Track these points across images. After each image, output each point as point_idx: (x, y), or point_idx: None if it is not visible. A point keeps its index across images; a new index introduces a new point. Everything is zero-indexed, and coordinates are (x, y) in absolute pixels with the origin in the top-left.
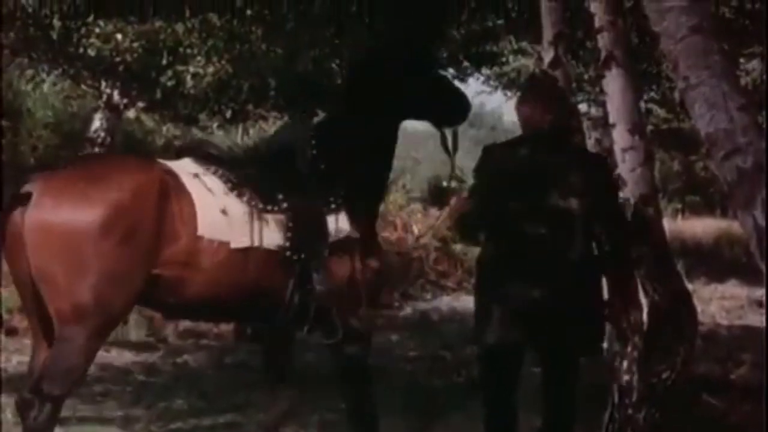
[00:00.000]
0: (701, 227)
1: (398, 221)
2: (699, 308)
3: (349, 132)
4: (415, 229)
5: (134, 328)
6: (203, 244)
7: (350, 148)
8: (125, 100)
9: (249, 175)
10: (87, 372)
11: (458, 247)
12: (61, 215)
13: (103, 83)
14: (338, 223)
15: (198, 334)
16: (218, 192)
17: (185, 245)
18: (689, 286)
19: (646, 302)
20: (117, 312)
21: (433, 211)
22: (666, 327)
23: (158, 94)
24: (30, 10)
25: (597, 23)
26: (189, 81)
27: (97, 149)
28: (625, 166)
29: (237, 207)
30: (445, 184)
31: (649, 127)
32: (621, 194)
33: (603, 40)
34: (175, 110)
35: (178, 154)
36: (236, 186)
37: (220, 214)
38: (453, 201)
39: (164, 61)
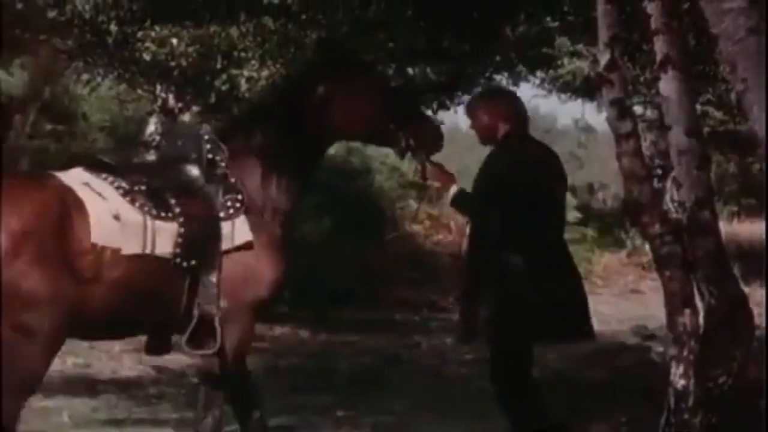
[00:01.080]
0: (758, 230)
1: (452, 224)
2: (755, 311)
3: (261, 141)
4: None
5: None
6: (98, 252)
7: (260, 155)
8: (180, 104)
9: (141, 181)
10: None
11: None
12: None
13: (158, 87)
14: (235, 229)
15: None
16: (110, 198)
17: (84, 257)
18: (745, 290)
19: (702, 306)
20: (52, 340)
21: None
22: (722, 331)
23: (213, 98)
24: (87, 16)
25: (653, 25)
26: (243, 85)
27: (152, 152)
28: (681, 169)
29: (129, 213)
30: None
31: (706, 129)
32: (676, 196)
33: (659, 42)
34: (229, 114)
35: (66, 165)
36: (128, 192)
37: (113, 220)
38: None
39: (219, 65)
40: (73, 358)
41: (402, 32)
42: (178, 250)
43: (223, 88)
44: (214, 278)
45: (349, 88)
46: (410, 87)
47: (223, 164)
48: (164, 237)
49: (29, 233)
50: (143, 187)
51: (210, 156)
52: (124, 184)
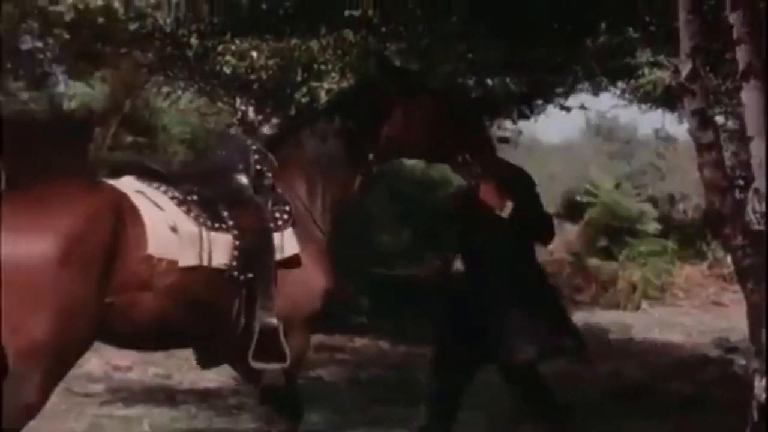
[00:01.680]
0: None
1: None
2: None
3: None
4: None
5: None
6: (153, 263)
7: (308, 166)
8: (260, 117)
9: (192, 191)
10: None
11: (592, 262)
12: (14, 250)
13: (238, 100)
14: (284, 241)
15: (332, 348)
16: (166, 207)
17: (139, 267)
18: None
19: None
20: (75, 348)
21: (568, 226)
22: None
23: (292, 111)
24: (168, 29)
25: (735, 34)
26: (323, 97)
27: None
28: (763, 179)
29: (186, 224)
30: (579, 198)
31: None
32: (758, 207)
33: (741, 52)
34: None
35: (116, 173)
36: (183, 202)
37: (170, 231)
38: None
39: (299, 78)
40: (153, 368)
41: (481, 43)
42: (234, 263)
43: (303, 100)
44: (272, 290)
45: (406, 104)
46: (487, 98)
47: (269, 174)
48: (220, 249)
49: (80, 238)
50: (196, 197)
51: (258, 166)
52: (177, 194)
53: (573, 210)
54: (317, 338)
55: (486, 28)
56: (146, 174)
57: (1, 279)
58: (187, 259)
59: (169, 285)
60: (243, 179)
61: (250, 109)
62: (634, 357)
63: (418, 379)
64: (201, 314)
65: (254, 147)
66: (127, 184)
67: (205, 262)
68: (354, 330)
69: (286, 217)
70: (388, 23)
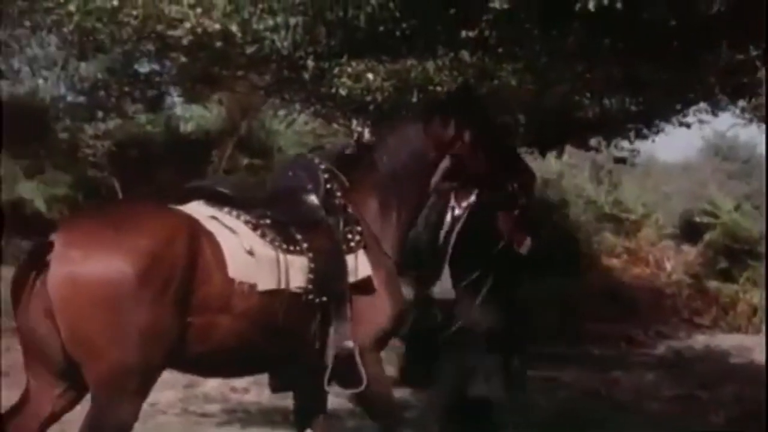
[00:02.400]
0: None
1: (650, 258)
2: None
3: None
4: (668, 266)
5: (385, 363)
6: (234, 287)
7: (379, 188)
8: (375, 138)
9: (265, 214)
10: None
11: (713, 284)
12: (93, 268)
13: (354, 122)
14: (357, 263)
15: None
16: (241, 232)
17: (217, 290)
18: None
19: None
20: (155, 369)
21: (686, 247)
22: None
23: None
24: (285, 52)
25: None
26: None
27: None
28: None
29: (261, 248)
30: (697, 218)
31: None
32: None
33: None
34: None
35: (184, 198)
36: (256, 226)
37: (247, 255)
38: None
39: (414, 99)
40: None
41: (599, 62)
42: (310, 286)
43: None
44: (346, 313)
45: (476, 133)
46: (607, 117)
47: (339, 194)
48: (296, 272)
49: (158, 257)
50: (268, 221)
51: (328, 185)
52: (250, 218)
53: (691, 230)
54: None
55: (604, 47)
56: (213, 198)
57: (82, 302)
58: (267, 282)
59: (247, 309)
60: (313, 200)
61: (366, 131)
62: (755, 381)
63: (536, 402)
64: (278, 338)
65: (323, 166)
66: (197, 209)
67: (283, 286)
68: None
69: (358, 238)
70: (504, 44)
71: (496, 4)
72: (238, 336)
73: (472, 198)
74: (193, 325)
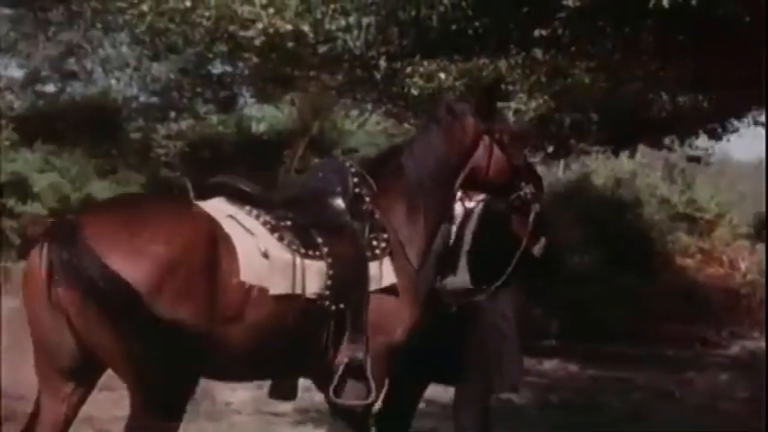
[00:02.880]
0: None
1: (724, 258)
2: None
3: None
4: (742, 266)
5: None
6: (245, 291)
7: (407, 193)
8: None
9: (286, 216)
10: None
11: None
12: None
13: None
14: (381, 271)
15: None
16: (258, 233)
17: (230, 297)
18: None
19: None
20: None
21: (761, 247)
22: None
23: None
24: (357, 52)
25: None
26: (511, 117)
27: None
28: None
29: (278, 251)
30: None
31: None
32: None
33: None
34: None
35: (206, 194)
36: (275, 228)
37: (261, 257)
38: None
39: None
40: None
41: (673, 60)
42: (326, 292)
43: None
44: (362, 323)
45: (499, 136)
46: (680, 115)
47: (368, 199)
48: (312, 277)
49: (177, 265)
50: (289, 222)
51: (356, 190)
52: (269, 219)
53: (766, 230)
54: None
55: (678, 44)
56: (236, 195)
57: (90, 306)
58: (279, 287)
59: (259, 315)
60: (340, 203)
61: None
62: None
63: (609, 403)
64: (289, 345)
65: (353, 169)
66: (217, 206)
67: (298, 291)
68: (542, 353)
69: (384, 245)
70: (577, 41)
71: (570, 2)
72: (249, 343)
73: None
74: (214, 333)
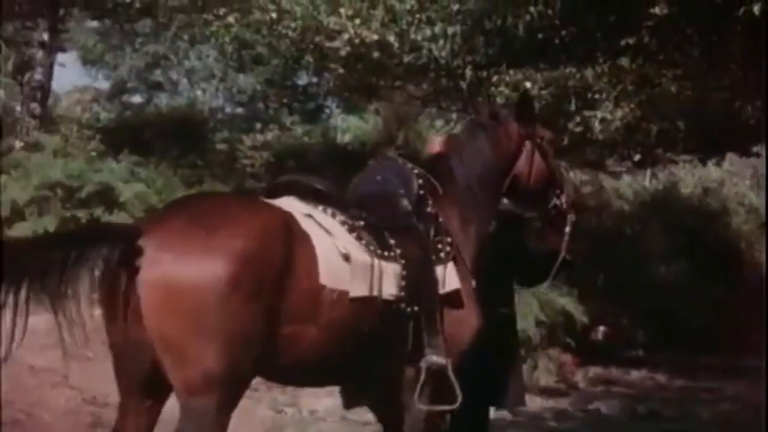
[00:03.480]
0: None
1: None
2: None
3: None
4: None
5: (543, 373)
6: (324, 294)
7: (459, 196)
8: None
9: (359, 216)
10: None
11: None
12: (184, 270)
13: None
14: (446, 274)
15: (609, 381)
16: (337, 234)
17: (305, 297)
18: None
19: None
20: (246, 378)
21: None
22: None
23: (566, 140)
24: (443, 62)
25: None
26: (597, 126)
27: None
28: None
29: (357, 252)
30: None
31: None
32: None
33: None
34: (582, 156)
35: (276, 193)
36: (353, 228)
37: (342, 259)
38: None
39: (572, 107)
40: None
41: (760, 68)
42: (402, 294)
43: (576, 130)
44: (438, 326)
45: (539, 142)
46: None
47: (430, 202)
48: (389, 279)
49: (252, 260)
50: (362, 223)
51: (420, 192)
52: (346, 218)
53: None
54: (593, 371)
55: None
56: (311, 195)
57: (174, 307)
58: (359, 289)
59: (336, 317)
60: (406, 204)
61: None
62: None
63: (698, 414)
64: (366, 349)
65: (417, 171)
66: (292, 205)
67: (375, 293)
68: (630, 363)
69: (448, 249)
70: (664, 50)
71: (657, 10)
72: (324, 346)
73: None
74: (281, 335)
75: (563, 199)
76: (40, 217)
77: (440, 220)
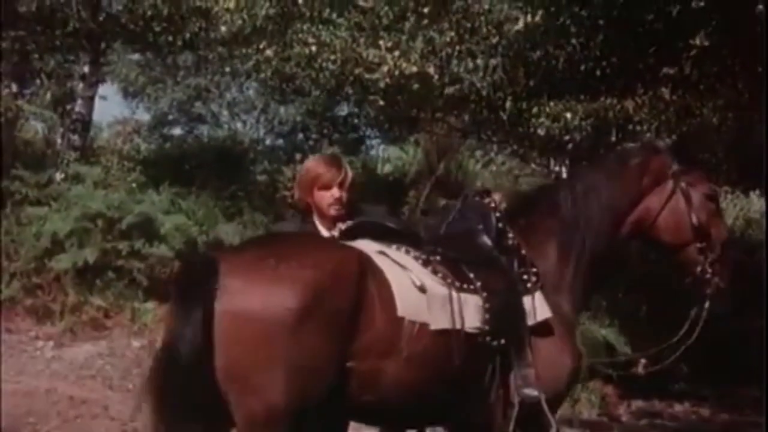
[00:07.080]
0: None
1: None
2: None
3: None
4: None
5: (586, 407)
6: (403, 327)
7: (559, 229)
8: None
9: (435, 251)
10: None
11: None
12: (252, 298)
13: (552, 161)
14: (535, 305)
15: (652, 414)
16: (411, 267)
17: (382, 332)
18: None
19: None
20: (311, 410)
21: None
22: None
23: None
24: (483, 93)
25: None
26: None
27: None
28: None
29: (433, 284)
30: None
31: None
32: None
33: None
34: None
35: (350, 236)
36: (427, 262)
37: (418, 292)
38: None
39: (613, 138)
40: None
41: None
42: (486, 327)
43: None
44: (528, 358)
45: (686, 186)
46: None
47: (511, 234)
48: (470, 311)
49: (324, 291)
50: (438, 257)
51: (500, 225)
52: (419, 254)
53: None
54: (636, 404)
55: None
56: (384, 235)
57: (241, 336)
58: (439, 321)
59: (417, 352)
60: (486, 240)
61: (564, 170)
62: None
63: None
64: (452, 384)
65: (493, 205)
66: (364, 244)
67: (457, 326)
68: (673, 396)
69: (534, 279)
70: (705, 80)
71: (698, 41)
72: (408, 382)
73: None
74: (357, 371)
75: (709, 259)
76: (80, 249)
77: (523, 252)
